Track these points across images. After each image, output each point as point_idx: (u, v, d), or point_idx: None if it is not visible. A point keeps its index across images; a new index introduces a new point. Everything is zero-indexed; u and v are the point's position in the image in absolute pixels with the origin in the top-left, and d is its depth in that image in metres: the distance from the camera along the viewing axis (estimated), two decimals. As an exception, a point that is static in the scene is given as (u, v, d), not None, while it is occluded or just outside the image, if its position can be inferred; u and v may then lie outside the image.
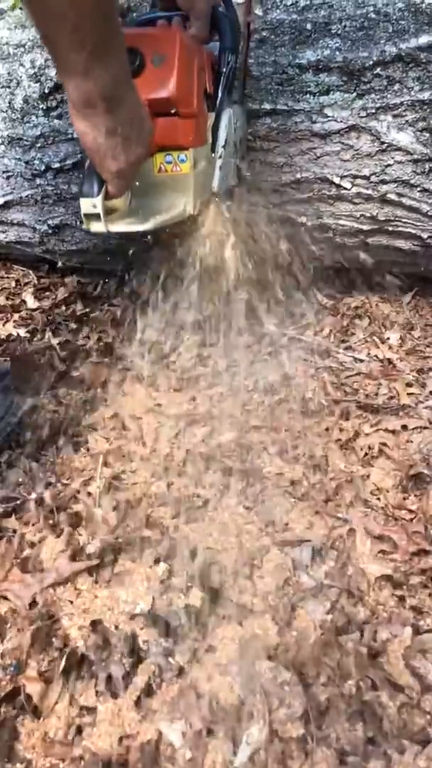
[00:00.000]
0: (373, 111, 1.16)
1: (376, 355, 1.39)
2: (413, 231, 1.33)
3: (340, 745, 0.69)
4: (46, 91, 1.28)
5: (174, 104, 0.91)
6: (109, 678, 0.76)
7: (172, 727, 0.71)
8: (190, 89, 0.94)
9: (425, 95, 1.12)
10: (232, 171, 1.16)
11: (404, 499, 1.02)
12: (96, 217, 0.88)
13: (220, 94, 1.04)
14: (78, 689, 0.76)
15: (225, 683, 0.75)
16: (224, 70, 1.04)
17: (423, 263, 1.46)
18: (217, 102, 1.04)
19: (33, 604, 0.85)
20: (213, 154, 1.06)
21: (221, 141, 1.06)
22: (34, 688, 0.75)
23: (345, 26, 1.12)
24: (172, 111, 0.92)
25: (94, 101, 0.74)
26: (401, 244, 1.38)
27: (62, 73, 0.73)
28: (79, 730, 0.72)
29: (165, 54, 0.89)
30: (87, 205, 0.87)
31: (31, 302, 1.67)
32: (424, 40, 1.08)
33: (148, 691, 0.75)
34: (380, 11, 1.10)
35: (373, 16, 1.10)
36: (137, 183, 0.95)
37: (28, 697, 0.74)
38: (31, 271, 1.82)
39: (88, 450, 1.16)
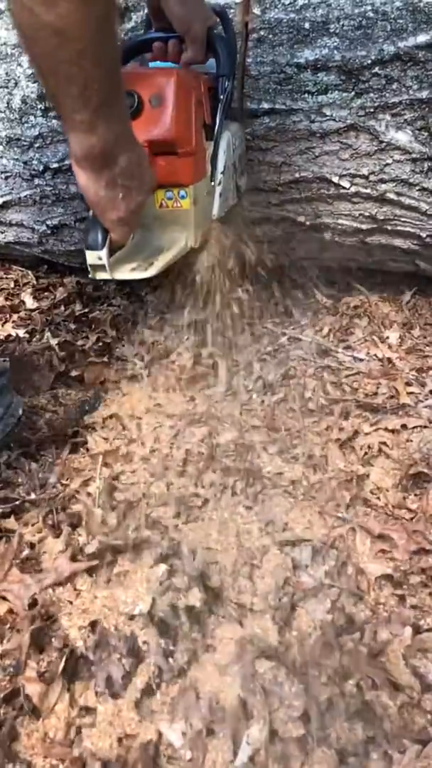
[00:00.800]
0: (372, 110, 1.15)
1: (375, 355, 1.39)
2: (412, 230, 1.32)
3: (341, 745, 0.69)
4: (40, 81, 1.27)
5: (173, 145, 0.93)
6: (109, 678, 0.76)
7: (172, 727, 0.71)
8: (188, 128, 0.95)
9: (424, 94, 1.12)
10: (232, 191, 1.16)
11: (404, 498, 1.02)
12: (101, 267, 0.90)
13: (218, 122, 1.04)
14: (78, 690, 0.76)
15: (225, 683, 0.75)
16: (222, 97, 1.04)
17: (422, 262, 1.46)
18: (215, 131, 1.04)
19: (32, 604, 0.84)
20: (212, 183, 1.07)
21: (220, 167, 1.06)
22: (33, 689, 0.74)
23: (343, 25, 1.12)
24: (172, 151, 0.93)
25: (97, 156, 0.76)
26: (400, 243, 1.38)
27: (66, 128, 0.75)
28: (79, 731, 0.72)
29: (162, 95, 0.90)
30: (92, 257, 0.89)
31: (30, 303, 1.66)
32: (422, 38, 1.08)
33: (148, 691, 0.75)
34: (378, 10, 1.10)
35: (371, 15, 1.10)
36: None
37: (28, 697, 0.74)
38: (30, 272, 1.81)
39: (87, 450, 1.16)
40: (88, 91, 0.69)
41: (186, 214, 1.01)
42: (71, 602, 0.85)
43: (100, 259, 0.89)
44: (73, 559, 0.90)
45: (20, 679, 0.76)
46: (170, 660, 0.78)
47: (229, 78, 1.04)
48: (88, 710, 0.74)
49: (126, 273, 0.93)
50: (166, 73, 0.92)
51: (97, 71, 0.68)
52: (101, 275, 0.92)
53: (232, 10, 1.16)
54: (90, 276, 0.94)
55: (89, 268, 0.92)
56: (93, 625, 0.82)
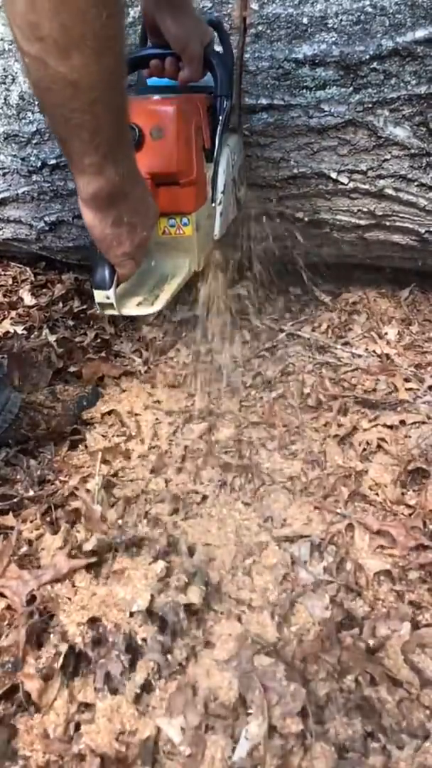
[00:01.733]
0: (370, 106, 1.15)
1: (374, 351, 1.39)
2: (411, 226, 1.32)
3: (340, 740, 0.69)
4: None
5: (175, 177, 0.94)
6: (108, 675, 0.76)
7: (171, 723, 0.71)
8: (189, 159, 0.96)
9: (422, 89, 1.11)
10: (232, 206, 1.17)
11: (403, 494, 1.02)
12: (109, 305, 0.91)
13: (217, 144, 1.04)
14: (76, 686, 0.76)
15: (224, 679, 0.75)
16: (221, 117, 1.04)
17: (420, 258, 1.46)
18: (215, 153, 1.05)
19: (30, 600, 0.84)
20: (213, 204, 1.07)
21: (220, 188, 1.06)
22: (32, 685, 0.74)
23: (341, 20, 1.11)
24: (174, 182, 0.95)
25: (104, 196, 0.77)
26: (398, 239, 1.38)
27: (75, 171, 0.75)
28: (78, 727, 0.72)
29: (163, 127, 0.91)
30: (101, 296, 0.90)
31: (28, 299, 1.66)
32: (420, 33, 1.07)
33: (147, 687, 0.75)
34: (377, 5, 1.09)
35: (369, 9, 1.10)
36: None
37: (27, 693, 0.74)
38: (28, 268, 1.81)
39: (86, 447, 1.16)
40: (99, 136, 0.70)
41: (189, 240, 1.02)
42: (70, 599, 0.85)
43: (108, 298, 0.90)
44: (72, 555, 0.90)
45: (19, 676, 0.76)
46: (169, 656, 0.78)
47: (228, 98, 1.05)
48: (87, 706, 0.74)
49: (133, 309, 0.94)
50: (166, 103, 0.93)
51: (107, 116, 0.69)
52: (109, 312, 0.94)
53: (230, 5, 1.16)
54: (98, 312, 0.95)
55: (97, 306, 0.93)
56: (92, 621, 0.82)
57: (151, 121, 0.91)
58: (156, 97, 0.99)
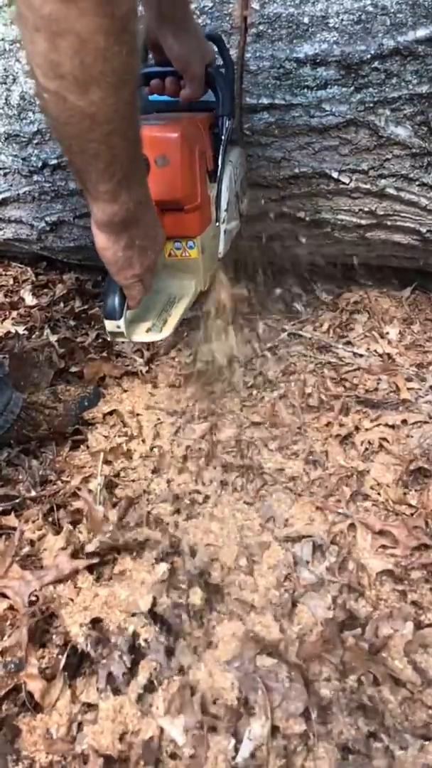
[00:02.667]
0: (371, 105, 1.15)
1: (375, 350, 1.39)
2: (412, 225, 1.32)
3: (342, 740, 0.70)
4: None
5: (180, 203, 0.95)
6: (110, 675, 0.76)
7: (174, 723, 0.71)
8: (193, 185, 0.97)
9: (423, 89, 1.11)
10: (235, 219, 1.17)
11: (405, 493, 1.02)
12: (120, 334, 0.93)
13: (220, 165, 1.05)
14: (79, 686, 0.76)
15: (226, 680, 0.75)
16: (223, 137, 1.05)
17: (422, 257, 1.46)
18: (218, 174, 1.05)
19: (33, 601, 0.84)
20: (217, 224, 1.08)
21: (224, 206, 1.07)
22: (35, 685, 0.75)
23: (342, 20, 1.11)
24: (179, 208, 0.96)
25: (118, 222, 0.78)
26: (400, 238, 1.38)
27: (90, 197, 0.76)
28: (81, 727, 0.72)
29: (167, 155, 0.92)
30: (111, 325, 0.92)
31: (30, 299, 1.66)
32: (422, 33, 1.07)
33: (150, 688, 0.75)
34: (378, 4, 1.09)
35: (370, 9, 1.10)
36: None
37: (29, 694, 0.74)
38: (29, 269, 1.81)
39: (87, 447, 1.16)
40: (114, 165, 0.71)
41: (195, 262, 1.03)
42: (72, 600, 0.85)
43: (118, 327, 0.92)
44: (74, 556, 0.91)
45: (21, 676, 0.76)
46: (171, 657, 0.78)
47: (229, 117, 1.05)
48: (89, 707, 0.74)
49: (142, 335, 0.95)
50: (170, 130, 0.93)
51: (122, 146, 0.70)
52: (119, 339, 0.95)
53: (231, 5, 1.16)
54: (109, 339, 0.95)
55: (108, 334, 0.95)
56: (94, 622, 0.82)
57: (156, 149, 0.91)
58: (159, 122, 0.99)
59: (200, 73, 1.00)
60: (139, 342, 0.95)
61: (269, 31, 1.15)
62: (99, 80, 0.60)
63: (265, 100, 1.18)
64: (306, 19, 1.12)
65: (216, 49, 1.06)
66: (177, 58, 0.98)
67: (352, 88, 1.14)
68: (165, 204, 0.94)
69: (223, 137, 1.05)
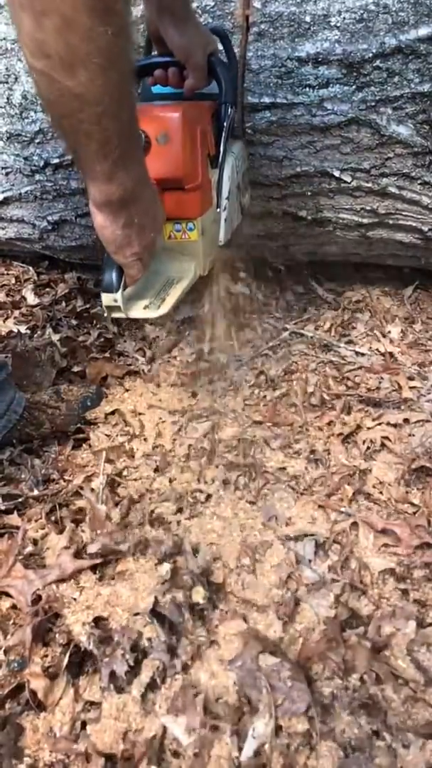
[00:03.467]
0: (373, 104, 1.15)
1: (377, 349, 1.39)
2: (414, 224, 1.32)
3: (345, 739, 0.70)
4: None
5: (181, 182, 0.95)
6: (113, 674, 0.76)
7: (177, 722, 0.71)
8: (195, 164, 0.97)
9: (425, 87, 1.11)
10: (237, 211, 1.17)
11: (407, 492, 1.02)
12: (116, 308, 0.92)
13: (222, 151, 1.05)
14: (82, 685, 0.76)
15: (229, 678, 0.75)
16: (225, 124, 1.05)
17: (424, 256, 1.46)
18: (220, 159, 1.05)
19: (36, 600, 0.85)
20: (218, 210, 1.08)
21: (225, 194, 1.07)
22: (38, 684, 0.75)
23: (344, 18, 1.11)
24: (179, 187, 0.95)
25: (116, 200, 0.78)
26: (402, 237, 1.38)
27: (86, 177, 0.76)
28: (84, 725, 0.72)
29: (169, 132, 0.91)
30: (108, 299, 0.91)
31: (32, 299, 1.66)
32: (423, 31, 1.07)
33: (153, 686, 0.75)
34: (379, 3, 1.09)
35: (372, 7, 1.10)
36: None
37: (33, 692, 0.74)
38: (31, 268, 1.81)
39: (89, 446, 1.16)
40: (108, 145, 0.70)
41: (194, 245, 1.03)
42: (75, 599, 0.86)
43: (115, 301, 0.91)
44: (77, 555, 0.91)
45: (25, 675, 0.76)
46: (174, 656, 0.78)
47: (232, 105, 1.05)
48: (92, 705, 0.74)
49: (139, 312, 0.95)
50: (172, 110, 0.93)
51: (115, 128, 0.69)
52: (116, 314, 0.94)
53: (233, 4, 1.16)
54: (104, 315, 0.95)
55: (104, 309, 0.94)
56: (97, 621, 0.82)
57: (158, 127, 0.91)
58: (162, 103, 1.00)
59: (203, 62, 1.00)
60: (136, 318, 0.94)
61: (271, 30, 1.15)
62: (85, 61, 0.60)
63: (266, 99, 1.18)
64: (308, 18, 1.12)
65: (218, 42, 1.06)
66: (179, 48, 0.98)
67: (353, 86, 1.14)
68: (165, 182, 0.94)
69: (225, 124, 1.05)
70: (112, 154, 0.71)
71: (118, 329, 1.52)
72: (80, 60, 0.60)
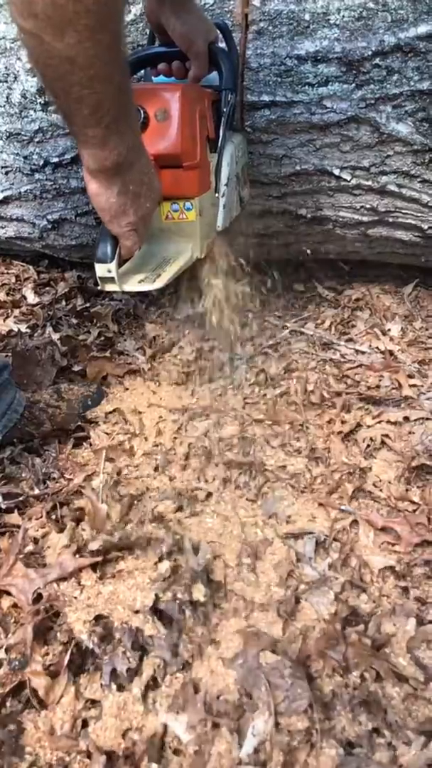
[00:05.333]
0: (373, 102, 1.15)
1: (377, 347, 1.39)
2: (413, 222, 1.32)
3: (345, 736, 0.70)
4: (47, 94, 1.27)
5: (179, 158, 0.95)
6: (114, 671, 0.76)
7: (178, 719, 0.72)
8: (193, 142, 0.97)
9: (424, 85, 1.11)
10: (235, 203, 1.18)
11: (407, 490, 1.02)
12: (110, 279, 0.91)
13: (221, 136, 1.06)
14: (83, 683, 0.76)
15: (230, 676, 0.76)
16: (225, 110, 1.06)
17: (423, 254, 1.46)
18: (219, 143, 1.06)
19: (37, 599, 0.85)
20: (216, 195, 1.08)
21: (224, 180, 1.07)
22: (39, 682, 0.75)
23: (343, 16, 1.11)
24: (177, 164, 0.95)
25: (109, 166, 0.77)
26: (402, 235, 1.38)
27: (79, 143, 0.76)
28: (85, 724, 0.72)
29: (168, 109, 0.92)
30: (102, 269, 0.91)
31: (32, 298, 1.66)
32: (423, 29, 1.07)
33: (153, 684, 0.76)
34: (379, 1, 1.09)
35: (371, 5, 1.10)
36: None
37: (34, 691, 0.74)
38: (31, 267, 1.81)
39: (90, 445, 1.16)
40: (100, 110, 0.70)
41: (192, 226, 1.02)
42: (76, 597, 0.86)
43: (109, 271, 0.91)
44: (78, 554, 0.91)
45: (26, 673, 0.76)
46: (175, 653, 0.78)
47: (232, 91, 1.06)
48: (93, 703, 0.74)
49: (135, 285, 0.95)
50: (171, 88, 0.94)
51: (108, 91, 0.69)
52: (110, 287, 0.94)
53: (232, 2, 1.16)
54: (99, 288, 0.95)
55: (98, 281, 0.94)
56: (98, 619, 0.82)
57: (157, 104, 0.92)
58: (161, 82, 1.00)
59: (204, 50, 1.01)
60: (131, 291, 0.93)
61: (270, 28, 1.15)
62: (74, 22, 0.60)
63: (266, 98, 1.18)
64: (307, 16, 1.12)
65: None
66: (180, 36, 0.99)
67: (353, 84, 1.14)
68: (163, 159, 0.94)
69: (225, 109, 1.05)
70: (104, 118, 0.71)
71: (118, 328, 1.52)
72: (68, 21, 0.60)
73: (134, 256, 0.97)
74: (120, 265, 0.92)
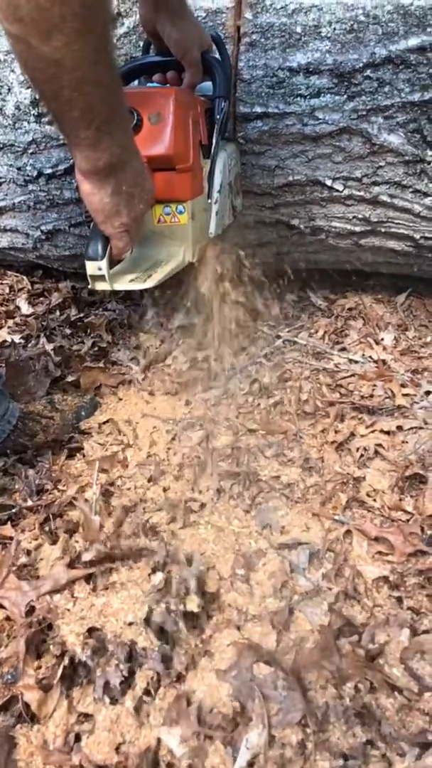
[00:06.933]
0: (364, 113, 1.16)
1: (370, 356, 1.39)
2: (406, 232, 1.33)
3: (340, 748, 0.69)
4: (38, 97, 1.28)
5: (171, 161, 0.95)
6: (107, 684, 0.76)
7: (171, 733, 0.71)
8: (186, 145, 0.97)
9: (415, 97, 1.12)
10: (228, 211, 1.18)
11: (400, 500, 1.02)
12: (101, 278, 0.92)
13: (214, 142, 1.07)
14: (76, 696, 0.76)
15: (223, 689, 0.75)
16: (218, 117, 1.06)
17: (416, 264, 1.46)
18: (212, 150, 1.07)
19: (30, 611, 0.84)
20: (209, 200, 1.09)
21: (216, 186, 1.08)
22: (32, 696, 0.74)
23: (335, 29, 1.12)
24: (170, 167, 0.96)
25: (102, 167, 0.78)
26: (394, 244, 1.38)
27: (71, 144, 0.76)
28: (78, 738, 0.72)
29: (161, 112, 0.93)
30: (92, 267, 0.91)
31: (26, 308, 1.66)
32: (413, 42, 1.08)
33: (147, 697, 0.75)
34: (369, 14, 1.10)
35: (362, 18, 1.10)
36: None
37: (26, 705, 0.74)
38: (24, 277, 1.81)
39: (83, 456, 1.16)
40: (90, 112, 0.70)
41: (184, 229, 1.03)
42: (69, 609, 0.85)
43: (100, 269, 0.91)
44: (71, 566, 0.90)
45: (18, 687, 0.76)
46: (168, 665, 0.78)
47: (226, 99, 1.07)
48: (86, 717, 0.74)
49: (125, 284, 0.95)
50: (165, 92, 0.95)
51: (97, 93, 0.69)
52: (101, 286, 0.94)
53: (224, 15, 1.16)
54: (89, 287, 0.95)
55: (89, 279, 0.93)
56: (91, 631, 0.82)
57: (150, 107, 0.92)
58: (155, 86, 1.01)
59: (198, 58, 1.02)
60: (121, 290, 0.94)
61: (262, 40, 1.16)
62: (59, 25, 0.60)
63: (258, 109, 1.19)
64: (299, 29, 1.13)
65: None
66: (175, 44, 1.00)
67: (345, 96, 1.15)
68: (156, 161, 0.94)
69: (218, 116, 1.06)
70: (95, 120, 0.71)
71: (112, 338, 1.52)
72: (54, 24, 0.60)
73: (126, 258, 0.98)
74: (111, 266, 0.92)
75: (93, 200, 0.83)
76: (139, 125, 0.92)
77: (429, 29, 1.07)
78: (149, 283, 0.94)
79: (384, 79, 1.12)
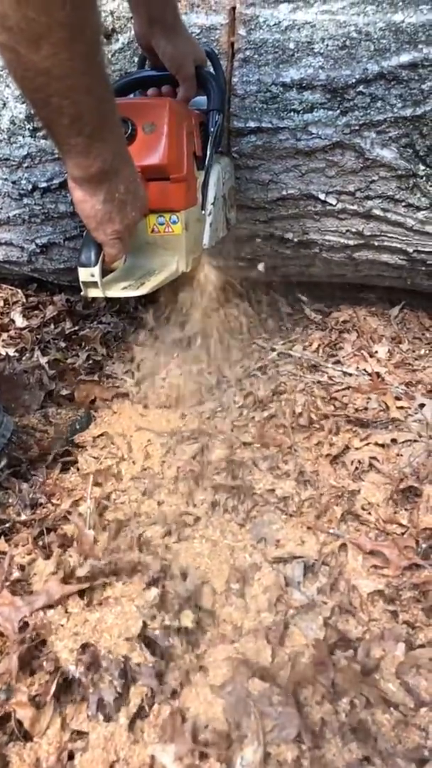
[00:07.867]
0: (357, 128, 1.17)
1: (364, 369, 1.40)
2: (399, 245, 1.34)
3: (336, 765, 0.69)
4: (33, 111, 1.28)
5: (165, 170, 0.96)
6: (101, 701, 0.75)
7: (166, 750, 0.70)
8: (180, 155, 0.98)
9: (408, 112, 1.13)
10: (222, 223, 1.19)
11: (395, 513, 1.02)
12: (93, 284, 0.92)
13: (208, 154, 1.08)
14: (69, 713, 0.75)
15: (218, 705, 0.75)
16: (212, 129, 1.08)
17: (409, 277, 1.47)
18: (206, 161, 1.08)
19: (23, 627, 0.84)
20: (203, 212, 1.09)
21: (210, 198, 1.09)
22: (25, 713, 0.73)
23: (327, 45, 1.13)
24: (164, 176, 0.97)
25: (94, 173, 0.78)
26: (387, 258, 1.39)
27: (62, 152, 0.76)
28: (71, 756, 0.71)
29: (155, 122, 0.94)
30: (85, 274, 0.91)
31: (20, 321, 1.66)
32: (405, 58, 1.09)
33: (141, 714, 0.74)
34: (361, 30, 1.11)
35: (354, 35, 1.12)
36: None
37: (19, 722, 0.73)
38: (19, 290, 1.81)
39: (77, 469, 1.15)
40: (81, 120, 0.71)
41: (177, 239, 1.03)
42: (62, 625, 0.85)
43: (92, 276, 0.91)
44: (64, 581, 0.90)
45: (11, 704, 0.75)
46: (163, 682, 0.77)
47: (220, 112, 1.08)
48: (80, 734, 0.73)
49: (118, 291, 0.95)
50: (159, 102, 0.96)
51: (86, 101, 0.69)
52: (93, 292, 0.94)
53: (218, 31, 1.17)
54: (82, 294, 0.95)
55: (81, 286, 0.94)
56: (84, 647, 0.81)
57: (144, 117, 0.93)
58: (149, 96, 1.02)
59: (192, 72, 1.03)
60: (113, 297, 0.94)
61: (256, 56, 1.17)
62: (47, 35, 0.60)
63: (252, 124, 1.20)
64: (291, 45, 1.14)
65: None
66: (170, 59, 1.01)
67: (337, 111, 1.16)
68: (150, 171, 0.95)
69: (212, 129, 1.07)
70: (85, 128, 0.71)
71: (106, 351, 1.52)
72: (41, 34, 0.60)
73: (119, 267, 0.98)
74: (104, 274, 0.92)
75: (85, 207, 0.83)
76: (134, 135, 0.93)
77: (420, 46, 1.08)
78: (141, 291, 0.95)
79: (376, 95, 1.13)
